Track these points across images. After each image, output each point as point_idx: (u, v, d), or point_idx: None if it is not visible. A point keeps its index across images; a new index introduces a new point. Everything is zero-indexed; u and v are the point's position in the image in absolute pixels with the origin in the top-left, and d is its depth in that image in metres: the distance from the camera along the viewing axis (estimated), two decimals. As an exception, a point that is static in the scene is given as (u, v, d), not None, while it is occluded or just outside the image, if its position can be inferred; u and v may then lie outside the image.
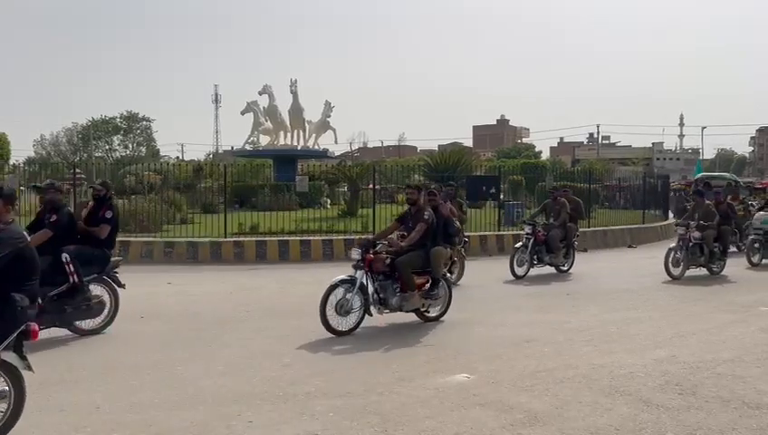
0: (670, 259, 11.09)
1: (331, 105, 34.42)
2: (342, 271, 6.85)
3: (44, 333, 6.24)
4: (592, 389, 5.01)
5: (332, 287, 6.92)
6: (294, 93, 32.80)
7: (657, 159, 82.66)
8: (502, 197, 19.64)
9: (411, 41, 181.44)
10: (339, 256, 13.73)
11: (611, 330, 7.20)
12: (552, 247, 11.44)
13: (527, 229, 11.41)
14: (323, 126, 34.57)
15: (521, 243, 11.40)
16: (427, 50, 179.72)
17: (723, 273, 11.74)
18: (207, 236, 14.16)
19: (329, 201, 27.53)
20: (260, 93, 32.92)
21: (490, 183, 18.75)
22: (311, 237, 14.41)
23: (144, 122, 78.42)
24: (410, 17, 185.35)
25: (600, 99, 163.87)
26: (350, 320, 6.98)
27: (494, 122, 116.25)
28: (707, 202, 11.93)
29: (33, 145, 77.51)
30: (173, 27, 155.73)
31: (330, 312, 6.82)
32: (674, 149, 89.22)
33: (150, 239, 14.01)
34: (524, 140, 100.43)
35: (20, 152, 74.90)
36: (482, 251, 15.14)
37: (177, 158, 71.31)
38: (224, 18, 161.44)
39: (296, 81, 32.82)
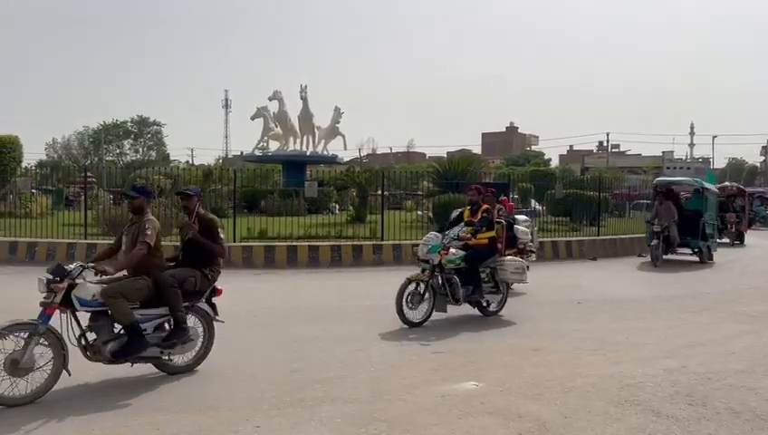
0: None
1: (341, 111, 34.61)
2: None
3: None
4: (601, 398, 4.97)
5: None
6: (304, 99, 32.96)
7: (668, 167, 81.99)
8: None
9: (421, 46, 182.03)
10: (347, 261, 13.76)
11: (619, 339, 7.16)
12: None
13: None
14: (333, 132, 34.74)
15: None
16: (436, 55, 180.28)
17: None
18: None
19: (337, 207, 27.61)
20: (270, 99, 33.14)
21: (499, 190, 18.63)
22: (319, 243, 14.40)
23: (154, 127, 79.07)
24: (419, 23, 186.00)
25: (610, 107, 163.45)
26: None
27: (504, 129, 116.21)
28: None
29: (45, 148, 78.32)
30: (184, 32, 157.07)
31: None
32: (684, 158, 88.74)
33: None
34: (533, 147, 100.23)
35: (32, 155, 75.61)
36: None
37: (187, 162, 71.68)
38: (235, 23, 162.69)
39: (306, 87, 33.02)
